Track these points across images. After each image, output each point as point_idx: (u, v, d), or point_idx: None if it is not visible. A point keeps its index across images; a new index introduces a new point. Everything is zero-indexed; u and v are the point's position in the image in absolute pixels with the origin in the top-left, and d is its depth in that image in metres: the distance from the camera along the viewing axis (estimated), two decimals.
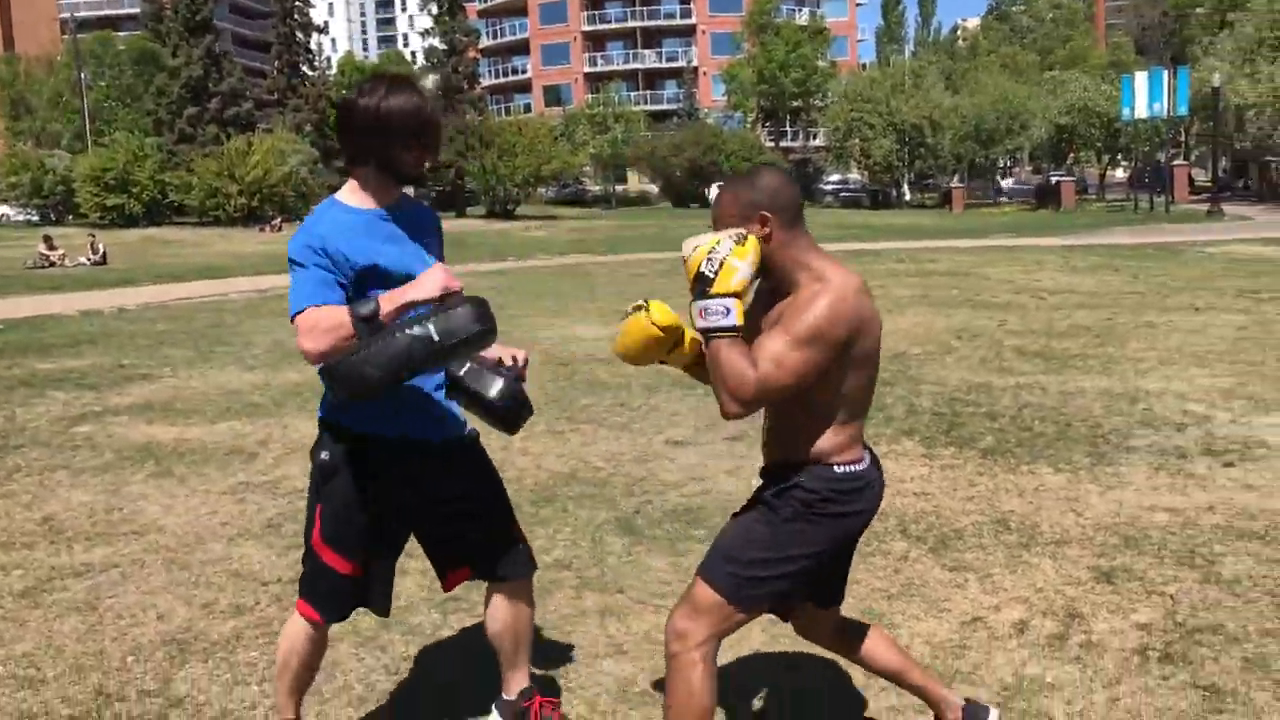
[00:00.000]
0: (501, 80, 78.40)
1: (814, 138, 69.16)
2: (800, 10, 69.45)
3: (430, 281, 2.55)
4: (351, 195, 2.72)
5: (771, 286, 2.58)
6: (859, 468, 2.59)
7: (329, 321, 2.52)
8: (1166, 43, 67.32)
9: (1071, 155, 55.95)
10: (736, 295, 2.40)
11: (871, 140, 52.49)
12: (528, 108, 72.97)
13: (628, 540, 4.77)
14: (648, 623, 3.88)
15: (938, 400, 7.60)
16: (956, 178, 54.95)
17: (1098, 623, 3.79)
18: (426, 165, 2.74)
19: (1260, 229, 29.40)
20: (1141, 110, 38.92)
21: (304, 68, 63.62)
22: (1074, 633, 3.73)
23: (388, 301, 2.53)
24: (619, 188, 63.00)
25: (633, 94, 71.06)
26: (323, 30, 61.83)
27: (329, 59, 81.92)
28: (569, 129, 56.94)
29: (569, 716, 3.22)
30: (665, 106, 70.84)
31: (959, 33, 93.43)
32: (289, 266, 2.63)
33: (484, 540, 2.87)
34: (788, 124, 69.73)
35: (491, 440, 6.54)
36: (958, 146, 51.78)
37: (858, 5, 78.45)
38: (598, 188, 63.39)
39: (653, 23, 74.42)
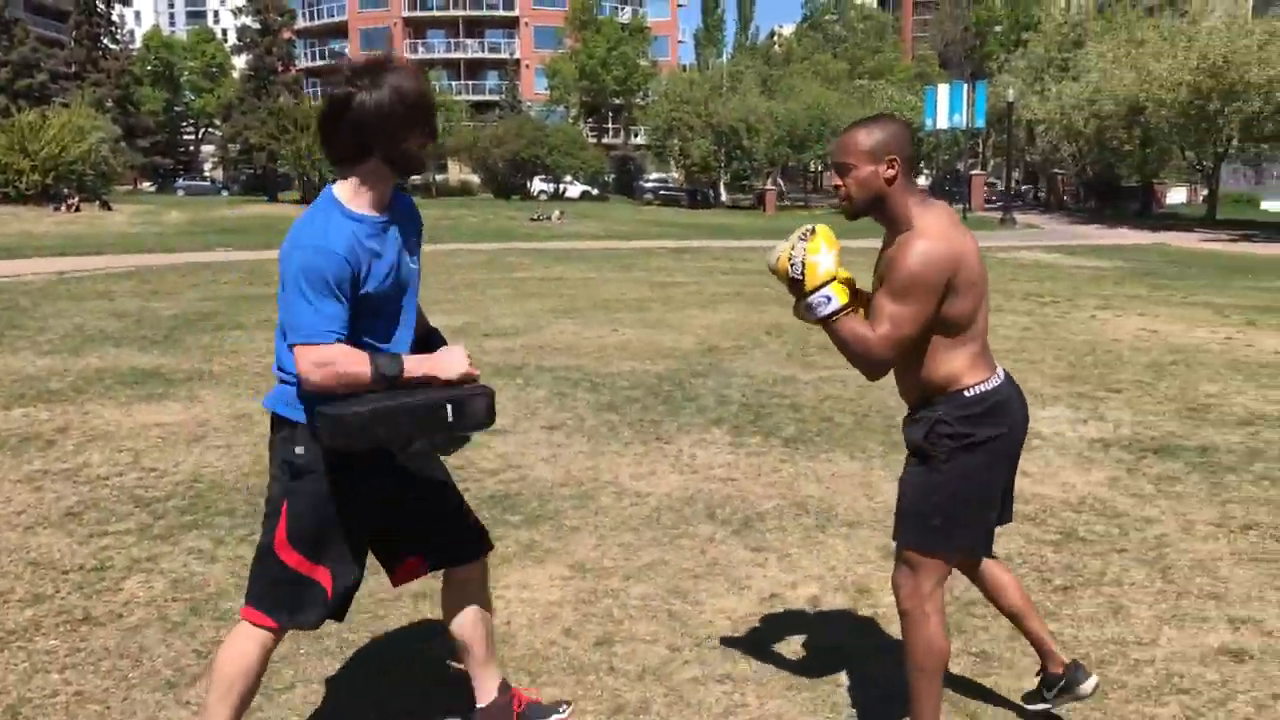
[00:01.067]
0: (318, 63, 76.12)
1: (635, 135, 69.91)
2: (623, 8, 70.03)
3: (453, 364, 2.55)
4: (353, 197, 2.55)
5: (887, 225, 2.76)
6: (989, 385, 2.75)
7: (348, 365, 2.44)
8: (968, 58, 70.92)
9: None
10: (828, 282, 2.66)
11: (690, 140, 53.45)
12: None
13: None
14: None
15: (746, 392, 7.90)
16: (770, 180, 56.54)
17: (884, 596, 4.07)
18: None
19: (1046, 237, 31.45)
20: (943, 121, 41.01)
21: (105, 41, 60.36)
22: (862, 606, 4.01)
23: (413, 366, 2.50)
24: (439, 177, 62.20)
25: (454, 84, 70.21)
26: (126, 1, 58.84)
27: (132, 32, 77.90)
28: None
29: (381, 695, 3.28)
30: (487, 97, 70.22)
31: (775, 39, 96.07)
32: (291, 281, 2.42)
33: (444, 522, 2.78)
34: (610, 121, 70.25)
35: None
36: (772, 150, 53.27)
37: (679, 6, 79.64)
38: (417, 177, 62.37)
39: (476, 12, 73.64)
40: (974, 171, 48.33)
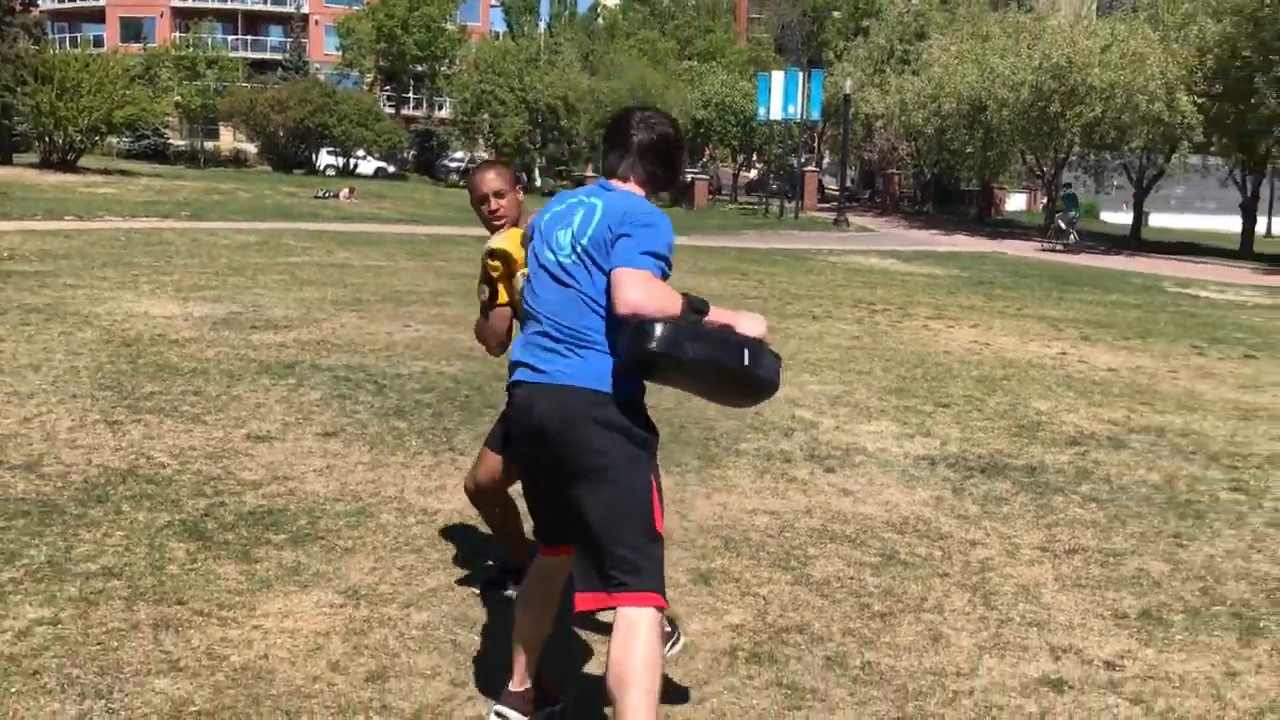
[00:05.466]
0: (66, 5, 72.40)
1: (439, 108, 69.14)
2: None
3: (755, 324, 3.13)
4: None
5: None
6: None
7: (668, 292, 2.95)
8: (805, 44, 73.00)
9: (707, 152, 59.39)
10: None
11: (502, 117, 53.18)
12: (99, 41, 67.82)
13: (194, 546, 4.65)
14: (210, 636, 3.82)
15: None
16: (590, 166, 56.76)
17: (692, 624, 4.15)
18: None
19: (880, 240, 32.67)
20: (776, 111, 42.03)
21: None
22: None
23: (715, 314, 3.07)
24: (209, 144, 60.03)
25: (230, 37, 67.99)
26: None
27: None
28: (150, 71, 53.55)
29: None
30: (269, 55, 68.33)
31: (598, 10, 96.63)
32: (647, 231, 2.97)
33: None
34: (410, 90, 69.27)
35: (33, 433, 6.09)
36: (593, 132, 53.52)
37: None
38: (183, 143, 60.04)
39: None
40: (808, 168, 49.76)
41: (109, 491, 5.29)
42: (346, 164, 55.66)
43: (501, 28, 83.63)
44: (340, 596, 4.23)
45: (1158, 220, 49.22)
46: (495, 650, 3.82)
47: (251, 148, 58.94)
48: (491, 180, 4.11)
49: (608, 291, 2.95)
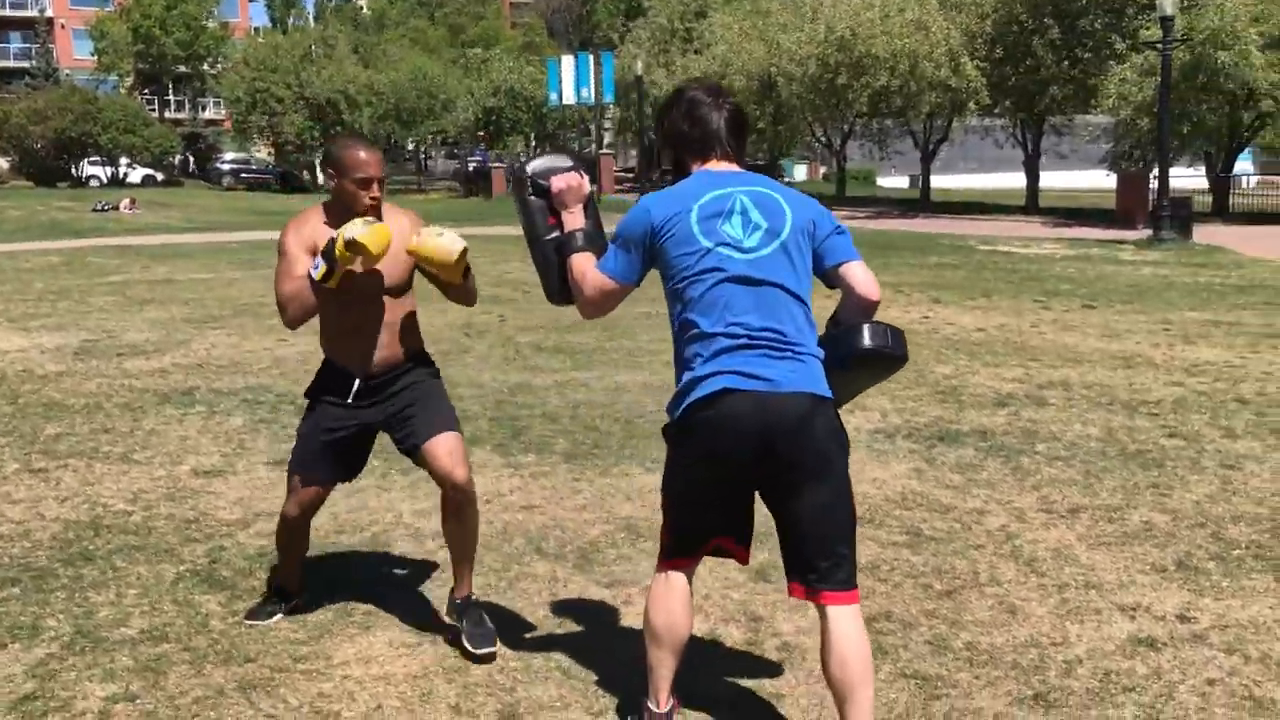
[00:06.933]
0: None
1: (204, 109, 66.49)
2: None
3: None
4: None
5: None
6: None
7: None
8: (576, 27, 73.10)
9: (486, 138, 58.70)
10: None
11: (281, 115, 51.45)
12: None
13: (223, 597, 4.30)
14: (305, 692, 3.54)
15: (485, 404, 7.69)
16: None
17: (780, 623, 4.08)
18: None
19: None
20: (569, 95, 42.04)
21: None
22: (765, 636, 3.98)
23: None
24: None
25: None
26: None
27: None
28: None
29: None
30: (12, 64, 64.28)
31: (361, 1, 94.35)
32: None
33: None
34: (172, 92, 66.30)
35: None
36: (377, 126, 52.41)
37: None
38: None
39: None
40: (603, 151, 49.92)
41: (89, 548, 4.83)
42: (115, 174, 52.78)
43: (262, 22, 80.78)
44: (411, 634, 3.98)
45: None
46: (606, 670, 3.68)
47: (3, 162, 55.24)
48: (379, 163, 3.72)
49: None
